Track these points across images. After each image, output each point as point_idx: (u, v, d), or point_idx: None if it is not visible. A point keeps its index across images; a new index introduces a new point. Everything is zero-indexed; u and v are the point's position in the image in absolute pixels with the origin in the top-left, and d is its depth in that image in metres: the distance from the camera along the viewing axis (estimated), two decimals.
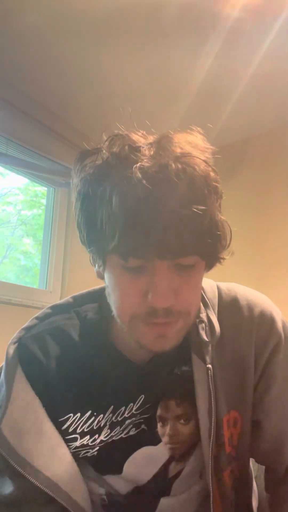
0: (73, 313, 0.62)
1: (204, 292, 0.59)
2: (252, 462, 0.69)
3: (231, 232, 0.51)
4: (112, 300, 0.52)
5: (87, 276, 0.60)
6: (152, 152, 0.45)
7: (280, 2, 1.48)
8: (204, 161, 0.47)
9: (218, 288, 0.62)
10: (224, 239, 0.49)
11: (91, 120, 2.22)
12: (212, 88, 1.95)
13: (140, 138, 0.48)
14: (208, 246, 0.46)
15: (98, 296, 0.65)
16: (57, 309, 0.64)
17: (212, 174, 0.47)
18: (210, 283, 0.62)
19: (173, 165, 0.44)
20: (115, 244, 0.45)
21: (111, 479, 0.60)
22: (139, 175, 0.42)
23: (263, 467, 0.68)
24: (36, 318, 0.63)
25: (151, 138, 0.49)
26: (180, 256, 0.46)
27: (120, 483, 0.60)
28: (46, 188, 2.30)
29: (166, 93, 2.01)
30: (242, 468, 0.64)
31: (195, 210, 0.43)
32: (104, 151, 0.48)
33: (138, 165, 0.43)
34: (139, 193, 0.42)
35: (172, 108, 2.11)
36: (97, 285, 0.66)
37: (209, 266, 0.52)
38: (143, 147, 0.46)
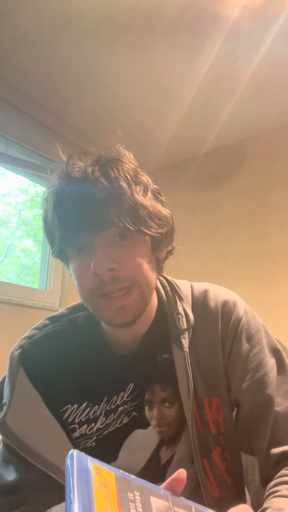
0: (66, 320, 0.72)
1: (179, 289, 0.68)
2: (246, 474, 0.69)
3: (172, 217, 0.64)
4: (76, 287, 0.61)
5: None
6: (82, 165, 0.59)
7: (280, 2, 1.48)
8: (131, 167, 0.59)
9: (191, 286, 0.70)
10: (156, 218, 0.60)
11: (91, 120, 2.22)
12: (212, 88, 1.95)
13: (80, 163, 0.60)
14: (129, 222, 0.56)
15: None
16: (53, 320, 0.73)
17: (139, 176, 0.60)
18: (184, 282, 0.71)
19: (91, 168, 0.57)
20: (61, 234, 0.57)
21: None
22: (61, 180, 0.58)
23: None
24: (35, 328, 0.72)
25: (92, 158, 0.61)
26: (105, 228, 0.56)
27: None
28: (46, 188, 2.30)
29: (166, 93, 2.01)
30: (234, 462, 0.66)
31: (109, 193, 0.56)
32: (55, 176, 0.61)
33: (62, 174, 0.58)
34: (64, 193, 0.57)
35: (172, 108, 2.11)
36: None
37: (153, 242, 0.62)
38: (77, 164, 0.59)
